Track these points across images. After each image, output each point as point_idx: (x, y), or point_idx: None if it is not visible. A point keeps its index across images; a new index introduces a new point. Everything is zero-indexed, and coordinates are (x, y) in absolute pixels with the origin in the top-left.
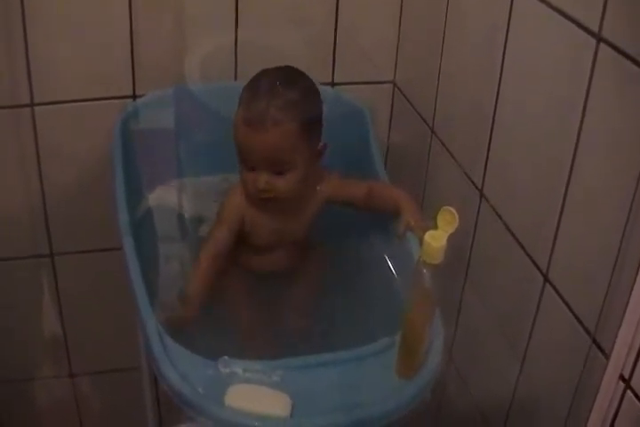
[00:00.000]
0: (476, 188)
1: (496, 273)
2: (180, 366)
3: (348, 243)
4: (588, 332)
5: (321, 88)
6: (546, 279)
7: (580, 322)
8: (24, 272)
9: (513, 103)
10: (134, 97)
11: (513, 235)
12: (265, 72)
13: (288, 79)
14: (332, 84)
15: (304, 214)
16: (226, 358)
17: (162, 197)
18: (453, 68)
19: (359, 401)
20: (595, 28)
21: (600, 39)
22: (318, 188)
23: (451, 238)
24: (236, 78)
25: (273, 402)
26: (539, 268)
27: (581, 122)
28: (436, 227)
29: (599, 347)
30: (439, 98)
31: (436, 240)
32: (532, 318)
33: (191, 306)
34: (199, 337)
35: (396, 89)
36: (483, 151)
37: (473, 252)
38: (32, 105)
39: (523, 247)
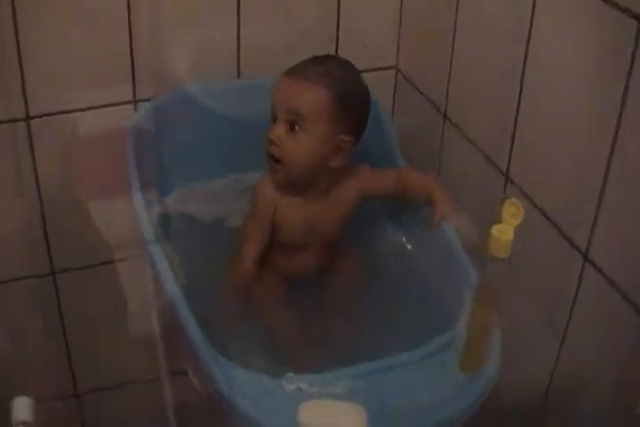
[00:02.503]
0: (501, 172)
1: (533, 256)
2: (244, 389)
3: (378, 242)
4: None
5: None
6: (585, 259)
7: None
8: (25, 293)
9: (542, 78)
10: (135, 102)
11: (546, 217)
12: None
13: (342, 62)
14: None
15: (336, 211)
16: (290, 374)
17: (177, 201)
18: (468, 49)
19: (434, 401)
20: (637, 9)
21: None
22: (352, 182)
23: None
24: (239, 76)
25: (347, 415)
26: (578, 248)
27: (624, 96)
28: (500, 220)
29: None
30: (452, 82)
31: (504, 234)
32: (572, 297)
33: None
34: (230, 347)
35: (399, 74)
36: (507, 134)
37: None
38: (27, 119)
39: (559, 229)
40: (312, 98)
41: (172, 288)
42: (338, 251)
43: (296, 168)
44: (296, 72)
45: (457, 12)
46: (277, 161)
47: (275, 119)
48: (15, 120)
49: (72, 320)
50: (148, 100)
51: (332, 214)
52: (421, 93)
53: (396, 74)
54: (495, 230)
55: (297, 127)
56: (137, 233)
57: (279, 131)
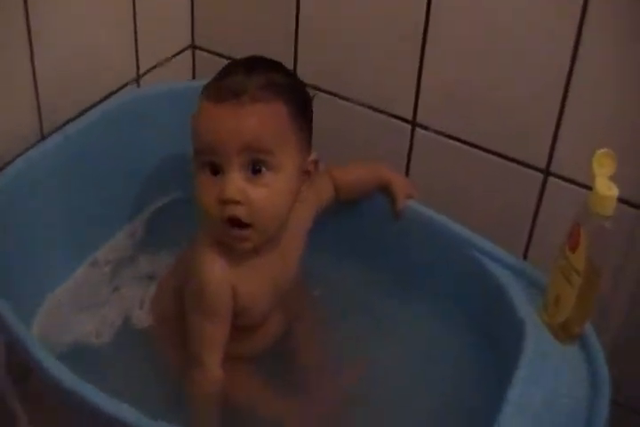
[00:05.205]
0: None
1: None
2: None
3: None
4: None
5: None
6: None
7: None
8: None
9: None
10: None
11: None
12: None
13: (268, 62)
14: (138, 78)
15: (294, 250)
16: None
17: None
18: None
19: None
20: None
21: None
22: (298, 207)
23: None
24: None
25: None
26: None
27: None
28: (593, 175)
29: None
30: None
31: (609, 188)
32: None
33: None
34: None
35: (197, 52)
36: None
37: None
38: None
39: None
40: (274, 122)
41: None
42: (300, 298)
43: (273, 224)
44: (230, 93)
45: None
46: (246, 226)
47: (214, 168)
48: None
49: None
50: None
51: (291, 257)
52: None
53: (193, 53)
54: (598, 186)
55: (263, 169)
56: None
57: (239, 182)
